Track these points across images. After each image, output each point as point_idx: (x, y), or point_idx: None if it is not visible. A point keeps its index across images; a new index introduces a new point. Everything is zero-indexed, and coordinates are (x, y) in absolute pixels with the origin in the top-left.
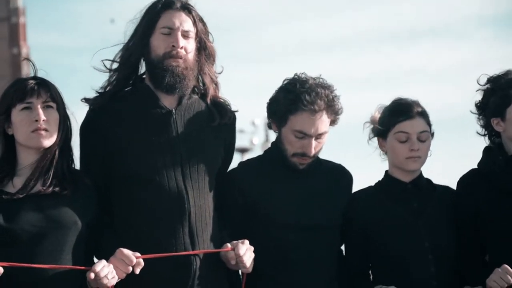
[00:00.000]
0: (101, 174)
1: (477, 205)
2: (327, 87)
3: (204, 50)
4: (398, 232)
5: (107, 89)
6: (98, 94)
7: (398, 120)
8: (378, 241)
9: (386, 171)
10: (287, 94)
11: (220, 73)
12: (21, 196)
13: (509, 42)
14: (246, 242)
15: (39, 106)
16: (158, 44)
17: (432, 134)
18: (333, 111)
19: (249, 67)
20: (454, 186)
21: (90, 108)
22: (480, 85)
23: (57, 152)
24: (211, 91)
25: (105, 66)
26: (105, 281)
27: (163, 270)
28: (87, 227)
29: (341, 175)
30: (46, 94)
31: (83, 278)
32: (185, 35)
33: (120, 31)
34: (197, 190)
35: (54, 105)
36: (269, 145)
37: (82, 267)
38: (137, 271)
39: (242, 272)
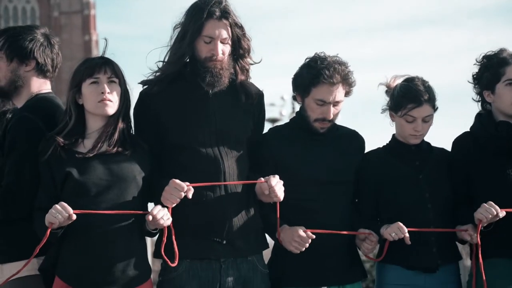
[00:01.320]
0: (153, 142)
1: (468, 163)
2: (343, 63)
3: (240, 46)
4: (403, 185)
5: (160, 76)
6: (154, 81)
7: (408, 107)
8: (386, 192)
9: (393, 135)
10: (309, 69)
11: (258, 63)
12: (91, 155)
13: (496, 30)
14: (277, 176)
15: (104, 81)
16: (201, 49)
17: (436, 109)
18: (348, 83)
19: (278, 52)
20: (448, 146)
21: (144, 90)
22: (477, 61)
23: (119, 119)
24: (241, 76)
25: (161, 61)
26: (161, 221)
27: (203, 218)
28: (143, 181)
29: (355, 138)
30: (111, 71)
31: (142, 221)
32: (223, 41)
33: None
34: (230, 154)
35: (117, 80)
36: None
37: (141, 212)
38: (189, 195)
39: (275, 202)
